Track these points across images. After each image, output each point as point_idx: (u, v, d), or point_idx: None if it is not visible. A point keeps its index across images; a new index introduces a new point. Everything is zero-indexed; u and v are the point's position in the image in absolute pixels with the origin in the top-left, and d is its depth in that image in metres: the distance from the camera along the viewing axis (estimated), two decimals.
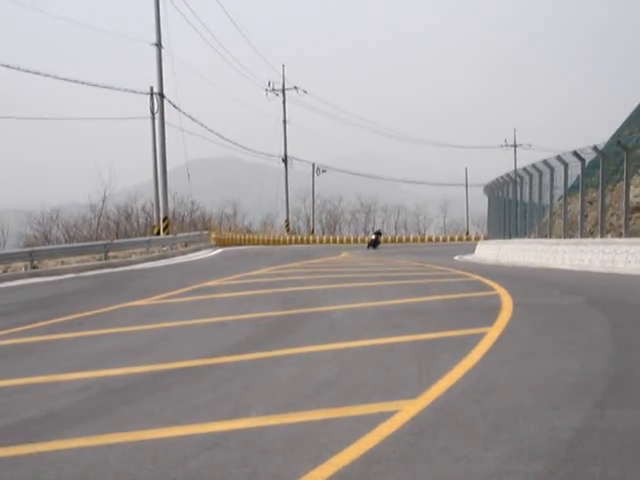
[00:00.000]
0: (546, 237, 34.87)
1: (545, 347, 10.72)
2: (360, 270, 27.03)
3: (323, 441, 6.48)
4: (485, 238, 56.56)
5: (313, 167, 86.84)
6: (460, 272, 24.52)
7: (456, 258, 41.17)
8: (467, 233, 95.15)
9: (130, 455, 6.38)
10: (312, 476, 5.62)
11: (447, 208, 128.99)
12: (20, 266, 30.03)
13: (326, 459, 5.94)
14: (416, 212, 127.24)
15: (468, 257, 42.69)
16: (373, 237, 65.71)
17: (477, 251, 45.64)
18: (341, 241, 77.48)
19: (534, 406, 7.33)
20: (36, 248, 34.78)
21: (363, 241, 79.97)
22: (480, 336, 11.25)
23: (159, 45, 44.44)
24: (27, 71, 40.26)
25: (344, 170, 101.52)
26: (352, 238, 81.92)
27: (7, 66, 38.60)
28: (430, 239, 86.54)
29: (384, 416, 7.07)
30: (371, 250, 59.61)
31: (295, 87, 76.82)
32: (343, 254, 45.37)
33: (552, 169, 34.10)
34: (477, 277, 21.77)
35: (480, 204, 73.94)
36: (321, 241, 66.63)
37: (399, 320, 13.47)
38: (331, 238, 73.73)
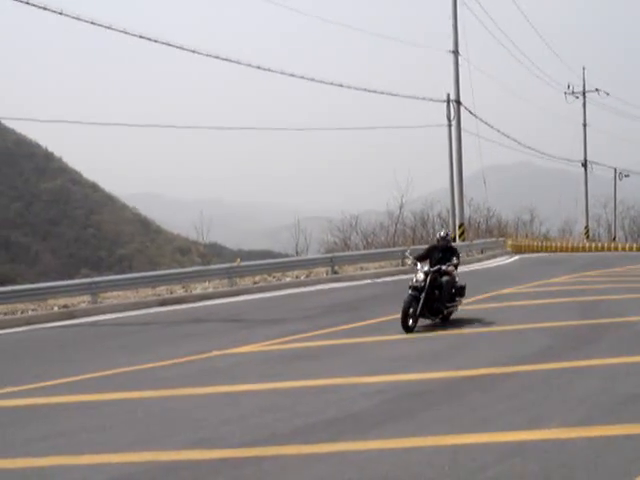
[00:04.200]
0: None
1: None
2: None
3: (629, 457, 6.18)
4: None
5: (615, 172, 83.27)
6: None
7: None
8: None
9: (428, 459, 6.44)
10: None
11: None
12: (322, 271, 31.29)
13: (634, 476, 5.65)
14: None
15: None
16: (430, 270, 15.05)
17: None
18: None
19: None
20: (336, 254, 35.99)
21: None
22: None
23: (456, 52, 44.57)
24: (335, 84, 41.77)
25: None
26: None
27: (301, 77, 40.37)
28: None
29: None
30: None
31: (596, 89, 74.14)
32: None
33: None
34: None
35: None
36: (623, 249, 62.80)
37: None
38: (634, 246, 70.02)
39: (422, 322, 14.64)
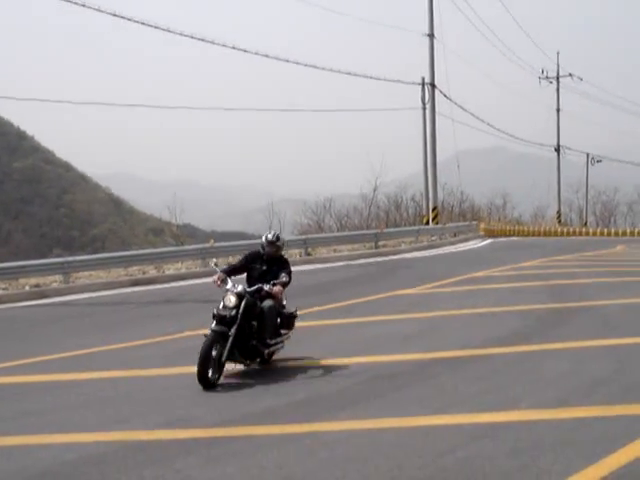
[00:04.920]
0: None
1: None
2: (637, 263, 25.69)
3: (597, 439, 6.24)
4: None
5: (587, 157, 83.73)
6: None
7: None
8: None
9: (399, 440, 6.47)
10: (584, 474, 5.43)
11: None
12: (295, 253, 31.27)
13: (600, 458, 5.72)
14: None
15: None
16: (246, 290, 9.96)
17: None
18: (616, 234, 74.10)
19: None
20: (310, 236, 35.95)
21: None
22: None
23: (431, 35, 44.46)
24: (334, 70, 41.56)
25: (621, 160, 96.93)
26: (629, 231, 78.17)
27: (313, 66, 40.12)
28: None
29: None
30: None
31: (570, 74, 74.36)
32: (618, 247, 43.34)
33: None
34: None
35: None
36: (594, 233, 63.08)
37: None
38: (605, 230, 70.48)
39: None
